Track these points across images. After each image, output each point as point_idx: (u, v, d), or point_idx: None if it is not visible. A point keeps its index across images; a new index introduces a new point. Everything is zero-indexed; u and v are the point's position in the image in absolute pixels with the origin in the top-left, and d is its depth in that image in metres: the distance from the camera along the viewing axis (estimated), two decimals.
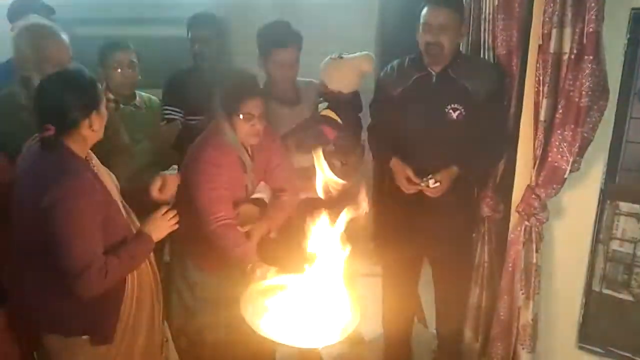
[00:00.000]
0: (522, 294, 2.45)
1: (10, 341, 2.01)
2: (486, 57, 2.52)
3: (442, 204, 2.40)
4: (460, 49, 2.52)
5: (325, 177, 2.11)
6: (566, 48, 2.11)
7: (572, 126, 2.15)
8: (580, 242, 2.39)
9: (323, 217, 1.90)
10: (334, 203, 2.02)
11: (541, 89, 2.20)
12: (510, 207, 2.51)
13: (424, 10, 2.33)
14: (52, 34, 2.35)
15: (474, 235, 2.71)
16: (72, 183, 1.73)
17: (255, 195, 2.45)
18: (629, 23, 2.09)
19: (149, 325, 2.04)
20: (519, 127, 2.40)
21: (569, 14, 2.07)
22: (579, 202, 2.36)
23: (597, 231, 2.35)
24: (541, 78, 2.19)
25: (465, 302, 2.81)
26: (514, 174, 2.46)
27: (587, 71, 2.08)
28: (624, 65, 2.15)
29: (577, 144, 2.17)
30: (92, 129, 1.81)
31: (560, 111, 2.17)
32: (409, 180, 2.40)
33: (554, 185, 2.28)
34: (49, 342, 1.90)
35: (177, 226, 2.02)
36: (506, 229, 2.54)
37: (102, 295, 1.79)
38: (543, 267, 2.44)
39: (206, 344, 2.49)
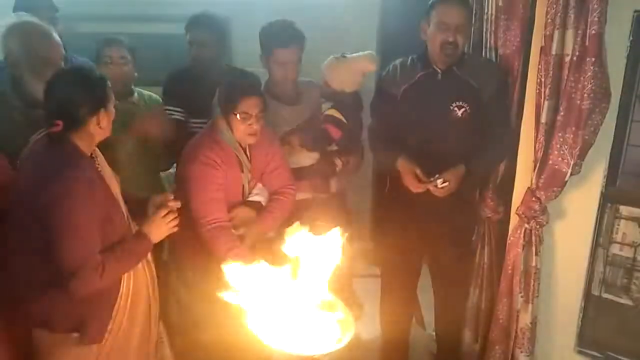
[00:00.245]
0: (521, 297, 2.43)
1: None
2: (488, 57, 2.52)
3: (445, 205, 2.39)
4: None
5: None
6: (568, 50, 2.10)
7: (574, 129, 2.14)
8: (580, 246, 2.38)
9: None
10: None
11: (543, 90, 2.19)
12: (510, 209, 2.49)
13: (438, 9, 2.32)
14: (43, 33, 2.32)
15: (474, 238, 2.70)
16: (73, 180, 1.72)
17: (251, 198, 2.44)
18: (631, 25, 2.08)
19: (144, 326, 2.02)
20: (520, 129, 2.39)
21: (572, 16, 2.06)
22: (579, 205, 2.35)
23: (597, 235, 2.34)
24: (543, 80, 2.18)
25: (465, 304, 2.80)
26: (514, 175, 2.45)
27: (589, 73, 2.06)
28: (626, 68, 2.14)
29: (578, 147, 2.16)
30: (100, 127, 1.81)
31: (562, 113, 2.16)
32: (417, 179, 2.37)
33: (555, 188, 2.26)
34: (39, 337, 1.88)
35: (176, 229, 2.00)
36: (506, 230, 2.53)
37: (95, 294, 1.78)
38: (542, 270, 2.43)
39: (202, 344, 2.48)
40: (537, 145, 2.26)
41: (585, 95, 2.09)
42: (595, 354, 2.44)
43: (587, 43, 2.05)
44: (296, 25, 2.57)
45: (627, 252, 2.30)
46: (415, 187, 2.37)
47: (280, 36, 2.53)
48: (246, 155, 2.36)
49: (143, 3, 3.61)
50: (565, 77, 2.13)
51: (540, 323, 2.50)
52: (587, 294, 2.42)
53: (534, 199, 2.31)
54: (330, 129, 2.72)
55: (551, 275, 2.46)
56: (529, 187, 2.34)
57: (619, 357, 2.39)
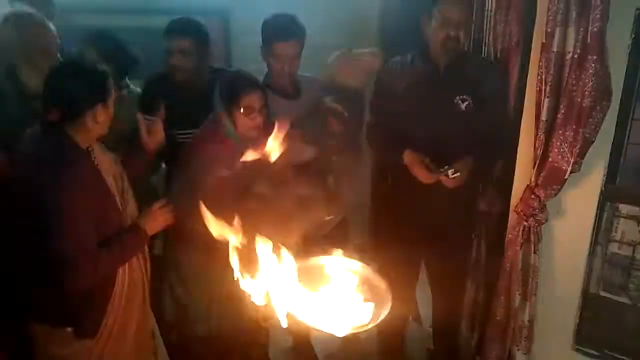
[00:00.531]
0: (519, 294, 2.43)
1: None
2: (488, 54, 2.53)
3: (446, 201, 2.39)
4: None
5: None
6: (570, 47, 2.08)
7: (574, 126, 2.13)
8: (579, 244, 2.37)
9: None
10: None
11: (543, 88, 2.17)
12: (507, 205, 2.49)
13: (440, 4, 2.34)
14: (39, 23, 2.33)
15: (473, 235, 2.70)
16: (66, 173, 1.71)
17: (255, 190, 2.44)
18: (633, 23, 2.06)
19: (140, 321, 2.02)
20: (520, 126, 2.38)
21: (573, 13, 2.03)
22: (579, 203, 2.34)
23: (596, 233, 2.33)
24: (543, 77, 2.16)
25: (462, 300, 2.80)
26: (513, 172, 2.44)
27: (590, 71, 2.05)
28: (627, 66, 2.12)
29: (579, 145, 2.14)
30: (96, 121, 1.80)
31: (562, 111, 2.14)
32: (428, 169, 2.37)
33: (554, 186, 2.25)
34: (34, 332, 1.88)
35: (173, 220, 2.00)
36: (503, 226, 2.52)
37: (90, 288, 1.78)
38: (541, 268, 2.42)
39: (198, 338, 2.48)
40: (537, 143, 2.24)
41: (586, 93, 2.07)
42: (593, 352, 2.44)
43: (588, 40, 2.03)
44: (298, 19, 2.55)
45: (626, 251, 2.29)
46: (426, 178, 2.37)
47: (281, 30, 2.51)
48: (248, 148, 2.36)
49: None
50: (566, 75, 2.11)
51: (538, 321, 2.49)
52: (585, 292, 2.41)
53: (533, 196, 2.30)
54: (331, 121, 2.71)
55: (549, 273, 2.45)
56: (528, 185, 2.33)
57: (617, 355, 2.39)
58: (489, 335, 2.60)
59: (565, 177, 2.21)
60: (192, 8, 3.59)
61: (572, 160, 2.17)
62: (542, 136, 2.21)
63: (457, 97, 2.39)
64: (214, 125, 2.31)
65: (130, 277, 1.95)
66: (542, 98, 2.18)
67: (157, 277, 2.25)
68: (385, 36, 3.57)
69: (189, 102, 2.51)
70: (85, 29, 2.68)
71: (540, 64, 2.17)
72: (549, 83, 2.14)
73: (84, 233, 1.74)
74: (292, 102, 2.62)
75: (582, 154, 2.18)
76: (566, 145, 2.16)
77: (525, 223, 2.36)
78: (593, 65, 2.04)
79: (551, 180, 2.24)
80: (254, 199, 2.41)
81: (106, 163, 1.94)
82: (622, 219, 2.28)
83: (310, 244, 1.93)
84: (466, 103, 2.39)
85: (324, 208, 2.17)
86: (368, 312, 1.78)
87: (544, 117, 2.19)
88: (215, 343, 2.47)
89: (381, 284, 1.91)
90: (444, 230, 2.49)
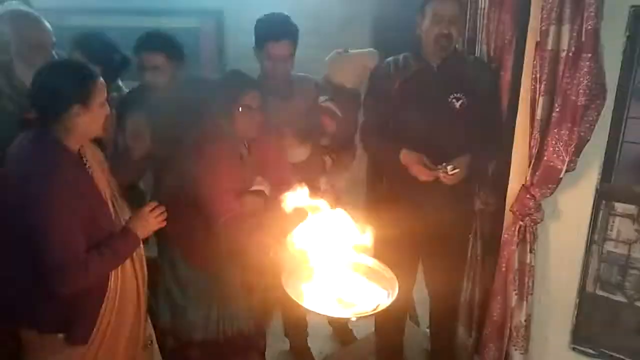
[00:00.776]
0: (516, 294, 2.42)
1: None
2: (481, 53, 2.53)
3: (443, 201, 2.38)
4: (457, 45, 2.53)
5: None
6: (564, 45, 2.07)
7: (569, 125, 2.12)
8: (575, 243, 2.37)
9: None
10: None
11: (538, 86, 2.17)
12: (502, 204, 2.48)
13: (433, 2, 2.35)
14: (33, 19, 2.36)
15: (470, 235, 2.69)
16: (53, 178, 1.69)
17: (255, 187, 2.43)
18: (627, 21, 2.06)
19: (133, 327, 2.00)
20: (515, 125, 2.37)
21: (568, 11, 2.03)
22: (574, 202, 2.33)
23: (591, 232, 2.33)
24: (538, 76, 2.16)
25: (458, 300, 2.80)
26: (508, 171, 2.43)
27: (585, 69, 2.04)
28: (622, 64, 2.12)
29: (574, 144, 2.14)
30: (77, 123, 1.75)
31: (557, 110, 2.13)
32: (426, 167, 2.36)
33: (549, 185, 2.25)
34: (26, 338, 1.86)
35: (164, 223, 1.98)
36: (498, 224, 2.51)
37: (81, 293, 1.76)
38: (537, 268, 2.42)
39: (194, 343, 2.46)
40: (532, 142, 2.24)
41: (581, 91, 2.07)
42: (590, 350, 2.44)
43: (583, 38, 2.03)
44: (291, 19, 2.54)
45: (622, 249, 2.29)
46: (425, 175, 2.36)
47: (274, 29, 2.50)
48: (247, 148, 2.35)
49: None
50: (561, 73, 2.10)
51: (535, 320, 2.49)
52: (582, 291, 2.41)
53: (528, 196, 2.29)
54: (325, 120, 2.71)
55: (546, 273, 2.45)
56: (523, 184, 2.32)
57: (614, 354, 2.38)
58: (486, 335, 2.59)
59: (561, 176, 2.21)
60: (186, 9, 3.59)
61: (567, 159, 2.17)
62: (537, 135, 2.21)
63: (452, 96, 2.39)
64: (212, 126, 2.30)
65: (123, 281, 1.92)
66: (537, 97, 2.18)
67: (153, 280, 2.22)
68: (379, 36, 3.56)
69: (170, 115, 2.41)
70: (75, 30, 2.65)
71: (535, 62, 2.17)
72: (544, 82, 2.14)
73: (73, 238, 1.71)
74: (286, 101, 2.61)
75: (577, 153, 2.17)
76: (561, 144, 2.15)
77: (521, 222, 2.35)
78: (587, 63, 2.04)
79: (546, 179, 2.24)
80: (254, 195, 2.41)
81: (98, 167, 1.91)
82: (617, 218, 2.28)
83: None
84: (460, 102, 2.39)
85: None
86: (381, 298, 1.87)
87: (538, 115, 2.18)
88: (212, 348, 2.46)
89: (387, 272, 2.00)
90: (441, 230, 2.48)
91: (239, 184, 2.35)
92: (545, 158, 2.21)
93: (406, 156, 2.41)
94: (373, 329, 2.97)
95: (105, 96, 1.82)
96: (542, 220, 2.34)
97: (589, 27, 2.00)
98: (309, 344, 3.06)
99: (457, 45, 2.52)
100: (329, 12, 3.41)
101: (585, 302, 2.41)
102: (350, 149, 2.87)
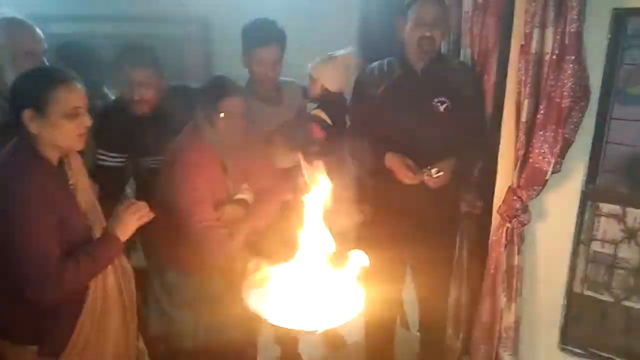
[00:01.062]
0: (504, 296, 2.43)
1: None
2: (465, 56, 2.55)
3: (429, 204, 2.39)
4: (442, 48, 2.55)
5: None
6: (548, 48, 2.10)
7: (554, 127, 2.14)
8: (562, 244, 2.38)
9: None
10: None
11: (523, 89, 2.19)
12: (489, 206, 2.49)
13: (415, 5, 2.37)
14: (27, 27, 2.38)
15: (457, 238, 2.70)
16: (20, 185, 1.64)
17: (238, 197, 2.42)
18: (610, 23, 2.08)
19: (119, 338, 1.92)
20: (500, 128, 2.39)
21: (551, 14, 2.05)
22: (560, 203, 2.35)
23: (578, 232, 2.34)
24: (523, 78, 2.18)
25: (447, 303, 2.80)
26: (495, 174, 2.45)
27: (568, 72, 2.07)
28: (605, 66, 2.14)
29: (559, 145, 2.16)
30: (35, 129, 1.68)
31: (542, 112, 2.16)
32: (410, 171, 2.37)
33: (535, 187, 2.27)
34: (1, 347, 1.78)
35: (145, 219, 1.85)
36: (486, 228, 2.53)
37: (57, 304, 1.70)
38: (525, 269, 2.43)
39: (184, 351, 2.44)
40: (517, 144, 2.26)
41: (565, 93, 2.09)
42: (579, 350, 2.45)
43: (566, 41, 2.05)
44: (278, 25, 2.54)
45: (608, 249, 2.31)
46: (409, 179, 2.37)
47: (261, 35, 2.50)
48: (230, 154, 2.34)
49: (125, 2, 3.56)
50: (545, 76, 2.13)
51: (524, 322, 2.50)
52: (569, 292, 2.42)
53: (515, 197, 2.31)
54: (314, 129, 2.70)
55: (533, 274, 2.46)
56: (510, 186, 2.34)
57: (602, 353, 2.40)
58: (475, 337, 2.59)
59: (547, 177, 2.23)
60: (172, 15, 3.57)
61: (552, 161, 2.19)
62: (522, 137, 2.22)
63: (436, 100, 2.41)
64: (194, 133, 2.29)
65: (104, 291, 1.84)
66: (522, 99, 2.20)
67: (141, 290, 2.20)
68: (365, 42, 3.57)
69: (151, 129, 2.43)
70: (57, 37, 2.65)
71: (520, 65, 2.19)
72: (528, 84, 2.16)
73: (41, 245, 1.64)
74: (274, 107, 2.62)
75: (562, 154, 2.20)
76: (546, 145, 2.17)
77: (508, 225, 2.36)
78: (571, 65, 2.06)
79: (532, 180, 2.25)
80: (235, 204, 2.40)
81: (84, 180, 1.87)
82: (603, 218, 2.30)
83: None
84: (445, 105, 2.41)
85: None
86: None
87: (524, 118, 2.20)
88: (203, 357, 2.44)
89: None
90: (427, 233, 2.48)
91: (219, 193, 2.34)
92: (531, 160, 2.23)
93: (390, 160, 2.42)
94: (363, 333, 2.96)
95: (75, 106, 1.71)
96: (529, 221, 2.36)
97: (572, 30, 2.03)
98: (299, 351, 3.05)
99: (441, 50, 2.54)
100: (315, 18, 3.41)
101: (573, 303, 2.42)
102: (341, 153, 2.87)
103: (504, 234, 2.38)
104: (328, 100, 2.66)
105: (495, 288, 2.46)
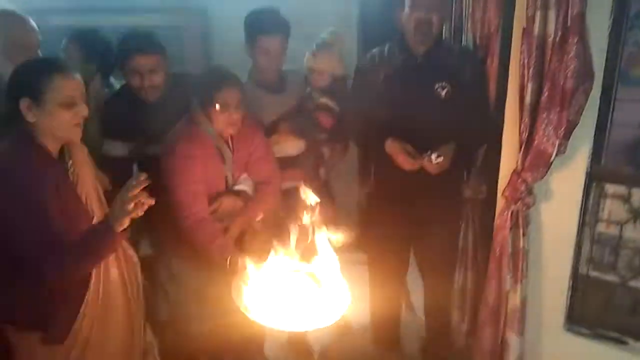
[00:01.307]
0: (510, 278, 2.44)
1: None
2: (467, 41, 2.54)
3: (432, 188, 2.40)
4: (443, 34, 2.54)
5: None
6: (551, 30, 2.09)
7: (558, 109, 2.14)
8: (567, 225, 2.39)
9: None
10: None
11: (526, 72, 2.19)
12: (494, 190, 2.50)
13: None
14: (21, 20, 2.40)
15: (461, 222, 2.71)
16: (19, 175, 1.66)
17: (237, 187, 2.42)
18: (612, 4, 2.07)
19: (124, 324, 1.95)
20: (504, 111, 2.39)
21: None
22: (565, 185, 2.35)
23: (583, 214, 2.35)
24: (526, 61, 2.17)
25: (452, 286, 2.82)
26: (499, 157, 2.46)
27: (572, 53, 2.06)
28: (608, 47, 2.13)
29: (563, 127, 2.16)
30: (33, 118, 1.69)
31: (546, 94, 2.15)
32: (410, 156, 2.37)
33: (540, 169, 2.27)
34: (7, 334, 1.81)
35: (140, 211, 1.73)
36: (489, 211, 2.53)
37: (60, 291, 1.72)
38: (530, 251, 2.44)
39: (193, 336, 2.46)
40: (522, 127, 2.26)
41: (569, 75, 2.08)
42: (585, 331, 2.47)
43: (569, 23, 2.04)
44: (281, 14, 2.54)
45: (613, 230, 2.32)
46: (409, 165, 2.38)
47: (265, 24, 2.50)
48: (229, 145, 2.33)
49: None
50: (549, 58, 2.12)
51: (530, 303, 2.51)
52: (575, 273, 2.43)
53: (520, 180, 2.31)
54: (322, 117, 2.70)
55: (539, 256, 2.47)
56: (514, 169, 2.34)
57: (608, 333, 2.42)
58: (481, 320, 2.61)
59: (551, 159, 2.23)
60: (171, 6, 3.56)
61: (557, 143, 2.19)
62: (526, 120, 2.22)
63: (437, 85, 2.41)
64: (190, 124, 2.28)
65: (107, 278, 1.86)
66: (525, 82, 2.19)
67: (148, 277, 2.21)
68: (366, 29, 3.57)
69: (158, 116, 2.43)
70: (70, 28, 2.64)
71: (522, 48, 2.18)
72: (532, 67, 2.15)
73: (39, 233, 1.65)
74: (278, 96, 2.61)
75: (567, 136, 2.20)
76: (551, 127, 2.17)
77: (513, 207, 2.37)
78: (574, 47, 2.05)
79: (537, 163, 2.26)
80: (234, 196, 2.40)
81: (86, 171, 1.88)
82: (608, 199, 2.30)
83: None
84: (446, 90, 2.41)
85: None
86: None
87: (527, 101, 2.20)
88: (210, 341, 2.46)
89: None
90: (431, 218, 2.50)
91: (215, 184, 2.33)
92: (535, 142, 2.23)
93: (391, 145, 2.43)
94: (369, 317, 2.98)
95: (71, 95, 1.72)
96: (534, 204, 2.36)
97: (575, 12, 2.02)
98: (306, 335, 3.08)
99: (443, 35, 2.54)
100: (314, 8, 3.40)
101: (579, 284, 2.44)
102: (346, 138, 2.87)
103: (509, 217, 2.39)
104: (333, 89, 2.66)
105: (500, 271, 2.47)
